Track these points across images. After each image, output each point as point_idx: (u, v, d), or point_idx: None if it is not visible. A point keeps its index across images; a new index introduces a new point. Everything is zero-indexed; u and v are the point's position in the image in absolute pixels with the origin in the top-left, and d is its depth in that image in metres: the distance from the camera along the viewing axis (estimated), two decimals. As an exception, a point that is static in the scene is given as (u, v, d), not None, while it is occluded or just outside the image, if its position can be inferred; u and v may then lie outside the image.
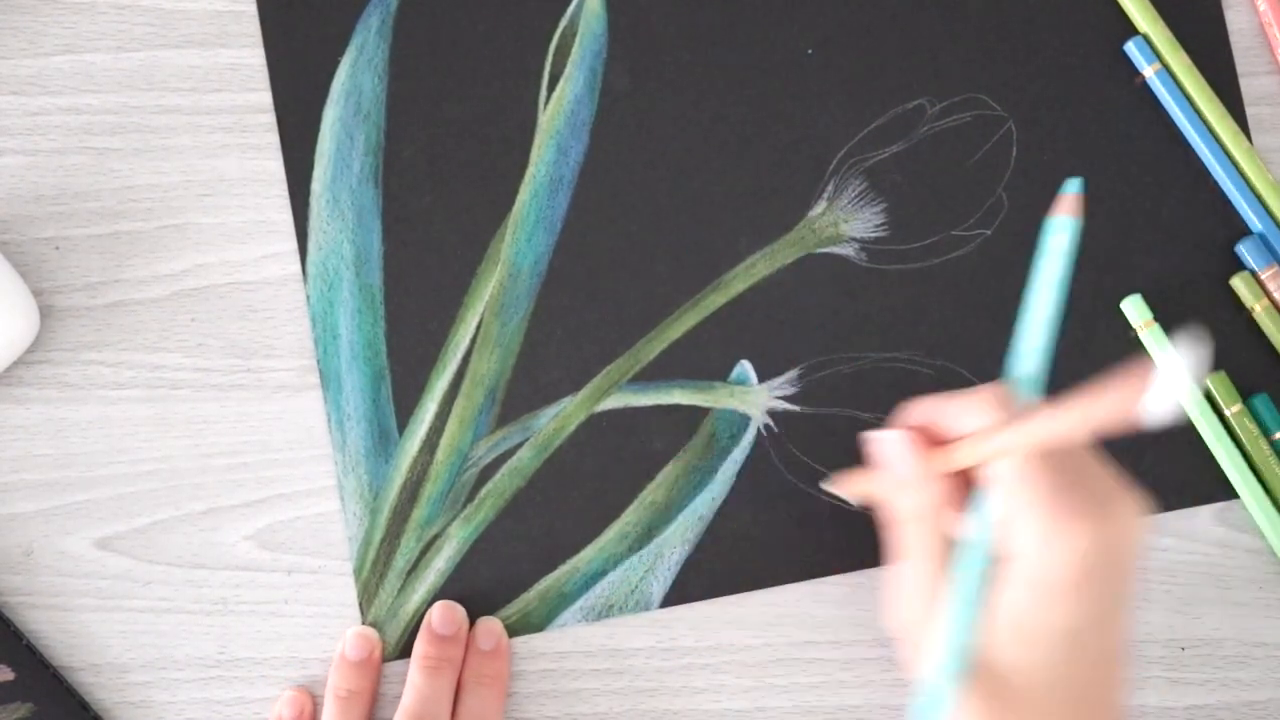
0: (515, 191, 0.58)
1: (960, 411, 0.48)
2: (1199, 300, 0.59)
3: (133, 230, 0.58)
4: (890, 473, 0.50)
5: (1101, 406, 0.41)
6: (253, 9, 0.58)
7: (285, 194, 0.58)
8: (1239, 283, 0.58)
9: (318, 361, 0.57)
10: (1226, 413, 0.58)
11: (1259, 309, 0.58)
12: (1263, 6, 0.59)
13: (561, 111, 0.59)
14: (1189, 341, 0.40)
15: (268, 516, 0.57)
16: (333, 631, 0.57)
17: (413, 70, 0.58)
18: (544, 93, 0.59)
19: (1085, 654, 0.46)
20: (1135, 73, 0.59)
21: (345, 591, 0.57)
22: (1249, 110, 0.59)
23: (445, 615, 0.56)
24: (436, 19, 0.59)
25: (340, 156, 0.58)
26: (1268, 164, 0.59)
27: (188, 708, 0.56)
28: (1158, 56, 0.58)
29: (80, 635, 0.56)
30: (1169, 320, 0.58)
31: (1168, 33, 0.58)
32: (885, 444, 0.50)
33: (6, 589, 0.56)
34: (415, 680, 0.55)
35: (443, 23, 0.59)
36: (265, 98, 0.58)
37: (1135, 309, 0.58)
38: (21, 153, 0.58)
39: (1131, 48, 0.59)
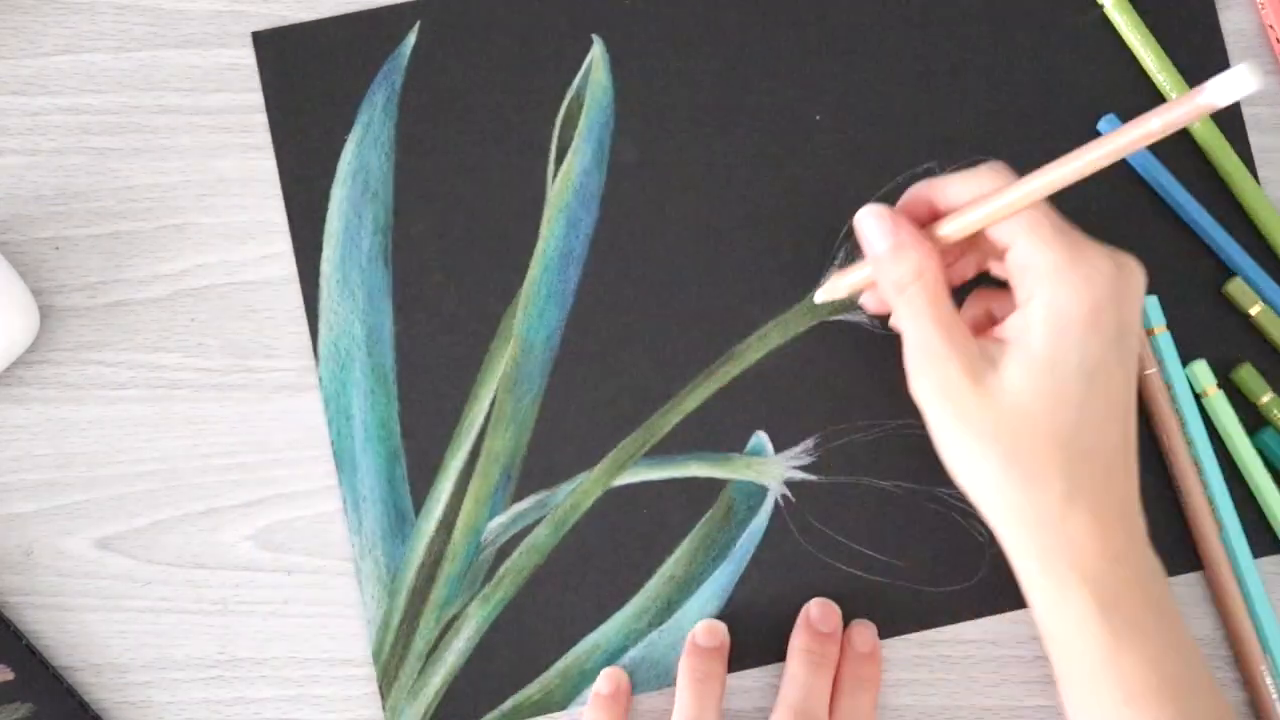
0: (526, 266, 0.58)
1: (957, 184, 0.50)
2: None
3: (132, 230, 0.58)
4: (872, 250, 0.51)
5: (1105, 148, 0.45)
6: (253, 8, 0.58)
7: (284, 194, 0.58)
8: (1233, 289, 0.58)
9: (332, 444, 0.57)
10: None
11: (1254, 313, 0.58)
12: (1264, 8, 0.59)
13: (570, 184, 0.58)
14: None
15: (268, 517, 0.57)
16: (333, 631, 0.57)
17: (419, 146, 0.58)
18: (552, 165, 0.58)
19: (1101, 399, 0.48)
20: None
21: (345, 591, 0.57)
22: (1247, 111, 0.59)
23: (824, 611, 0.56)
24: (442, 94, 0.58)
25: (349, 236, 0.57)
26: (1266, 164, 0.59)
27: (188, 708, 0.56)
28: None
29: (80, 635, 0.56)
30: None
31: (1176, 74, 0.58)
32: (863, 221, 0.51)
33: (6, 589, 0.56)
34: (796, 672, 0.54)
35: (448, 97, 0.58)
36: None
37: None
38: (21, 153, 0.58)
39: (1105, 128, 0.58)
